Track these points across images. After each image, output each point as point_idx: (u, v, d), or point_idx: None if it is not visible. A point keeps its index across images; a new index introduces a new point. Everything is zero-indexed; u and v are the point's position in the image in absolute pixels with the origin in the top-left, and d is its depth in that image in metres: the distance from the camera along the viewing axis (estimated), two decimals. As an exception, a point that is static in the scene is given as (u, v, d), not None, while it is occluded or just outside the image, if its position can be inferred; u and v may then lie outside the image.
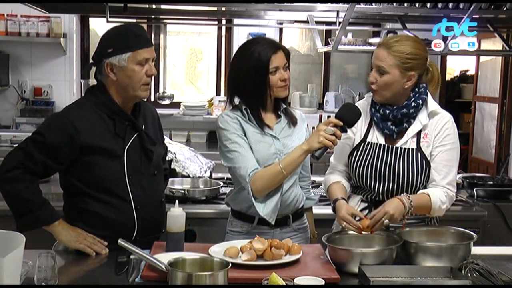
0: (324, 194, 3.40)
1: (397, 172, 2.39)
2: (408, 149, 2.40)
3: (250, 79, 2.44)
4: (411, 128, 2.42)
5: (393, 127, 2.41)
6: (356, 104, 2.52)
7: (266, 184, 2.40)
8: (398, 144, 2.42)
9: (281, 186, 2.45)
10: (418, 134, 2.42)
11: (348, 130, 2.41)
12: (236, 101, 2.54)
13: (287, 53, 2.50)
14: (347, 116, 2.34)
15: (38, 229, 2.25)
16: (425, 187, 2.42)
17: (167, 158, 2.83)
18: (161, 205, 2.45)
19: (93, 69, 2.40)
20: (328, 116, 5.83)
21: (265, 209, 2.44)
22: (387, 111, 2.41)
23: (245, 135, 2.47)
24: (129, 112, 2.38)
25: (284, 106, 2.57)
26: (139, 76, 2.29)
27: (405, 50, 2.35)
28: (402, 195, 2.29)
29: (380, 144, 2.44)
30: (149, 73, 2.32)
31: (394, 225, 2.38)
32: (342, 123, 2.32)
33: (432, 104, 2.44)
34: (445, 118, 2.43)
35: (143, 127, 2.40)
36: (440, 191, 2.36)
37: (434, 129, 2.41)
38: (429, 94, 2.45)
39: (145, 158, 2.38)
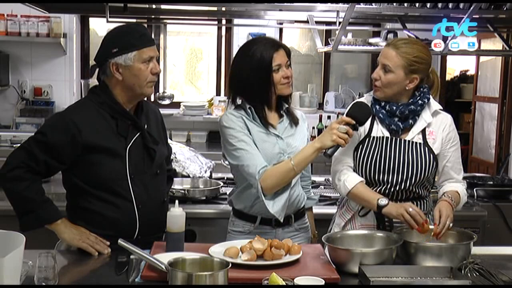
0: (325, 194, 3.41)
1: (406, 163, 2.43)
2: (415, 142, 2.47)
3: (254, 78, 2.45)
4: (416, 125, 2.48)
5: (400, 123, 2.46)
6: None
7: (277, 182, 2.40)
8: (405, 138, 2.48)
9: (290, 183, 2.46)
10: (423, 131, 2.49)
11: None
12: (238, 101, 2.55)
13: (288, 51, 2.52)
14: (359, 115, 2.37)
15: (39, 229, 2.26)
16: (428, 181, 2.50)
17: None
18: (163, 204, 2.45)
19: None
20: (328, 117, 5.90)
21: (275, 207, 2.44)
22: (394, 107, 2.46)
23: (250, 134, 2.48)
24: (132, 112, 2.38)
25: (286, 105, 2.58)
26: (145, 75, 2.30)
27: (413, 52, 2.40)
28: (444, 196, 2.44)
29: (387, 137, 2.48)
30: (154, 71, 2.33)
31: (397, 224, 2.41)
32: (354, 122, 2.35)
33: (435, 104, 2.54)
34: (449, 118, 2.55)
35: (146, 126, 2.40)
36: (463, 188, 2.55)
37: (443, 130, 2.50)
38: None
39: (147, 157, 2.38)
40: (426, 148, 2.46)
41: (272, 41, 2.52)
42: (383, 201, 2.36)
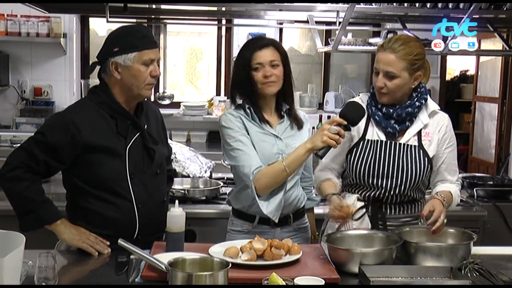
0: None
1: (401, 167, 2.41)
2: (410, 145, 2.43)
3: (237, 76, 2.49)
4: (412, 127, 2.45)
5: (396, 126, 2.43)
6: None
7: (270, 182, 2.40)
8: (400, 141, 2.45)
9: (284, 184, 2.46)
10: (419, 133, 2.45)
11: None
12: (239, 100, 2.56)
13: (281, 51, 2.49)
14: (351, 115, 2.35)
15: (39, 229, 2.26)
16: (423, 184, 2.47)
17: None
18: (163, 204, 2.45)
19: (96, 68, 2.40)
20: (328, 116, 5.90)
21: (269, 207, 2.44)
22: (391, 110, 2.43)
23: (248, 134, 2.48)
24: (132, 112, 2.38)
25: (288, 106, 2.57)
26: (143, 76, 2.30)
27: (412, 51, 2.37)
28: (436, 194, 2.39)
29: (382, 141, 2.45)
30: (153, 74, 2.33)
31: (391, 227, 2.41)
32: (346, 122, 2.32)
33: (432, 104, 2.49)
34: (446, 119, 2.50)
35: (146, 126, 2.41)
36: (456, 189, 2.51)
37: (439, 131, 2.46)
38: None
39: (147, 157, 2.38)
40: (421, 151, 2.42)
41: (259, 40, 2.52)
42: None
